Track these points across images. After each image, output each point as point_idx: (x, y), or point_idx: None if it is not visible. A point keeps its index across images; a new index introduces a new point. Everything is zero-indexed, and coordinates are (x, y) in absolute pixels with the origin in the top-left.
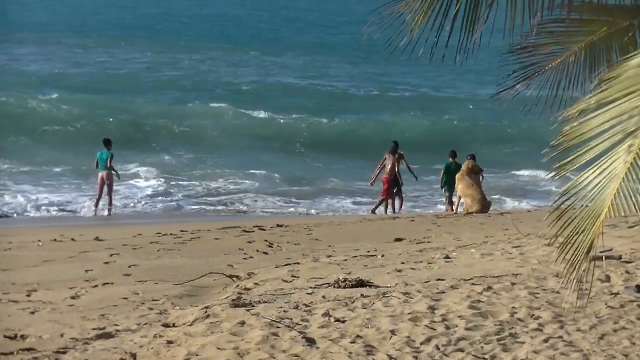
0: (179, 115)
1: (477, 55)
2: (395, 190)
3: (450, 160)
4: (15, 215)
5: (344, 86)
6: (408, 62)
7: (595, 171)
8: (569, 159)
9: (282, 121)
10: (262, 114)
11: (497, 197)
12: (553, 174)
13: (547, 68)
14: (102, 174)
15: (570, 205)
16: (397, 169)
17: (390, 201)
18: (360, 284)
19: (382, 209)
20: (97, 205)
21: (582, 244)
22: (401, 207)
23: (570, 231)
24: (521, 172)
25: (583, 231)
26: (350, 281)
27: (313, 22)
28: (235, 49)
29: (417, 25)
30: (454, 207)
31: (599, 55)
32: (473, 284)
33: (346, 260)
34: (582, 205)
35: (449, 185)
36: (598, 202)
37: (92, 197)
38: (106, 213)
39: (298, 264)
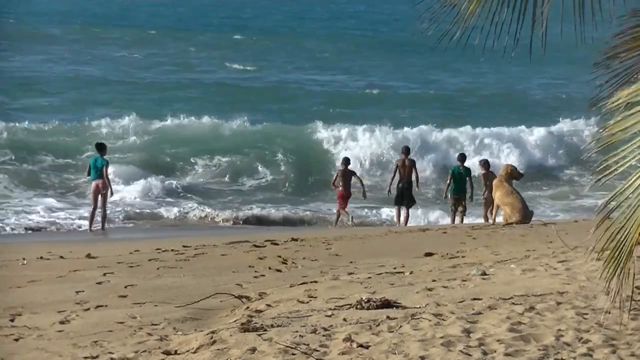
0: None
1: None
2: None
3: (458, 164)
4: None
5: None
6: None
7: None
8: (611, 160)
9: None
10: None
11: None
12: (594, 177)
13: None
14: (96, 182)
15: (610, 213)
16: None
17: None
18: (386, 304)
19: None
20: (92, 218)
21: (622, 254)
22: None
23: (614, 243)
24: None
25: (624, 242)
26: (374, 301)
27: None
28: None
29: (472, 15)
30: (491, 217)
31: None
32: (513, 304)
33: (370, 277)
34: (628, 214)
35: (457, 192)
36: None
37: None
38: (99, 227)
39: (315, 282)
